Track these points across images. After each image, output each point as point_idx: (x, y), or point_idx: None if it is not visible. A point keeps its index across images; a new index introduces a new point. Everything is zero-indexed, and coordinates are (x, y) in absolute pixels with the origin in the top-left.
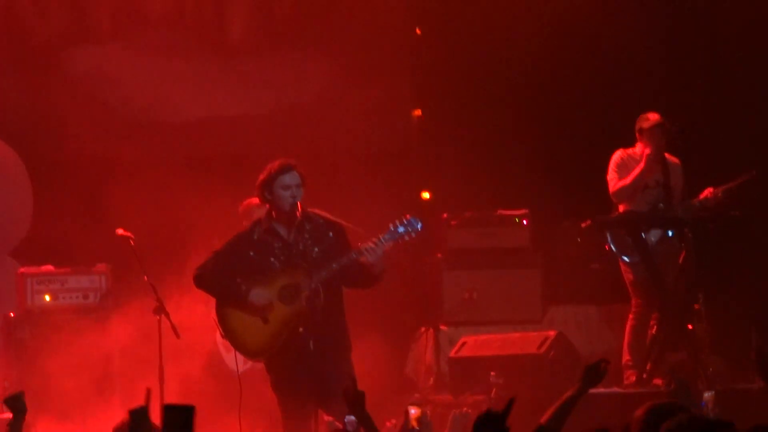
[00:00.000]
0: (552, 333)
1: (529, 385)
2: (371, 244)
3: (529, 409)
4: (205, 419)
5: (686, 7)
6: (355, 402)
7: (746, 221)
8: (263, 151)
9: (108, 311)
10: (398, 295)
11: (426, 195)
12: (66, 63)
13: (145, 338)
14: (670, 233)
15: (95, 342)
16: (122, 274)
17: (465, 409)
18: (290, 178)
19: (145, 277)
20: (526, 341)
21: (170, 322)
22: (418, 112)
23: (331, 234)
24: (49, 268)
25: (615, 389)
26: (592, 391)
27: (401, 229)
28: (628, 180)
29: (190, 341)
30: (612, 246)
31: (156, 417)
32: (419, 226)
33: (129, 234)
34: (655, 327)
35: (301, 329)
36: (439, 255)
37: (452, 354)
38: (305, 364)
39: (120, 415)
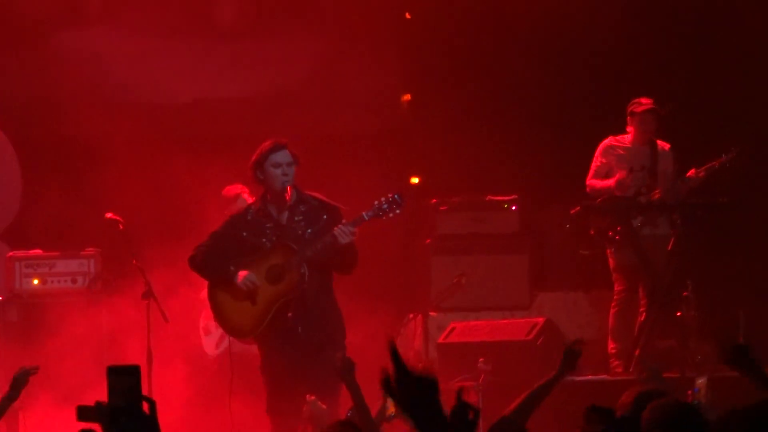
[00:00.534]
0: (540, 319)
1: (518, 372)
2: (349, 225)
3: (517, 396)
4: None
5: None
6: (345, 369)
7: (734, 208)
8: (253, 133)
9: (97, 295)
10: (386, 280)
11: (415, 180)
12: (56, 44)
13: (133, 322)
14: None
15: (84, 326)
16: (111, 258)
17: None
18: (281, 157)
19: (134, 261)
20: (514, 328)
21: (159, 306)
22: (407, 97)
23: (325, 216)
24: (38, 251)
25: (603, 376)
26: (581, 378)
27: (385, 206)
28: (598, 185)
29: (179, 325)
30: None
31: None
32: (400, 201)
33: (118, 218)
34: (644, 314)
35: (289, 314)
36: (427, 240)
37: (441, 340)
38: (294, 348)
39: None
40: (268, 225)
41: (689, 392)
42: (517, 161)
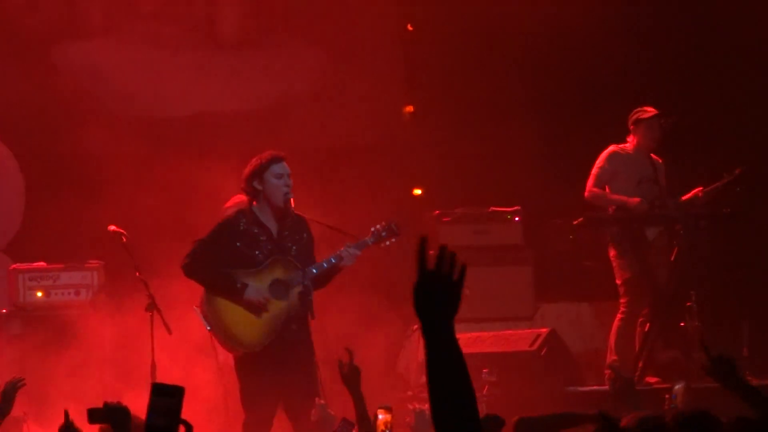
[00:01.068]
0: (544, 330)
1: (522, 382)
2: (354, 248)
3: (521, 406)
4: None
5: (674, 5)
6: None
7: (738, 218)
8: (255, 146)
9: (100, 307)
10: (390, 292)
11: (418, 191)
12: (58, 58)
13: (137, 335)
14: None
15: (87, 338)
16: (114, 271)
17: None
18: (282, 168)
19: (137, 273)
20: (518, 338)
21: (162, 318)
22: (409, 109)
23: (305, 235)
24: (41, 264)
25: (605, 387)
26: (582, 388)
27: (384, 234)
28: (611, 197)
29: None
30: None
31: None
32: (397, 230)
33: (121, 230)
34: (647, 324)
35: (294, 326)
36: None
37: None
38: (296, 359)
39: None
40: (262, 237)
41: (667, 396)
42: (519, 172)
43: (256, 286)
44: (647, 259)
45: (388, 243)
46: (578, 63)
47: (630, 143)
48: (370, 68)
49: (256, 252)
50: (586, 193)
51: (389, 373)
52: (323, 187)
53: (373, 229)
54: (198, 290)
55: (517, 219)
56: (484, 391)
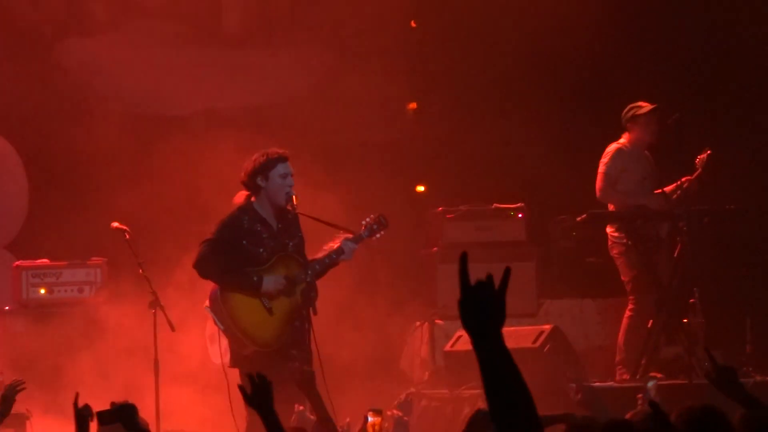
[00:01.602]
0: (547, 327)
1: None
2: (352, 242)
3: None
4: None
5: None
6: (306, 381)
7: (741, 214)
8: (261, 143)
9: (103, 304)
10: (393, 289)
11: (421, 188)
12: (62, 55)
13: (140, 332)
14: None
15: (90, 335)
16: (117, 268)
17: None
18: (287, 167)
19: (140, 270)
20: (521, 335)
21: (165, 315)
22: (413, 105)
23: (299, 234)
24: (45, 261)
25: (611, 383)
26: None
27: (375, 226)
28: (620, 198)
29: (185, 334)
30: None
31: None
32: (385, 223)
33: (124, 227)
34: (651, 321)
35: (296, 323)
36: (434, 249)
37: (447, 348)
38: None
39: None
40: (264, 235)
41: (639, 396)
42: (522, 169)
43: (272, 277)
44: (653, 256)
45: (378, 236)
46: (582, 60)
47: (626, 140)
48: (373, 65)
49: (260, 250)
50: (597, 193)
51: (393, 370)
52: (326, 183)
53: (364, 222)
54: (203, 288)
55: (520, 216)
56: None
